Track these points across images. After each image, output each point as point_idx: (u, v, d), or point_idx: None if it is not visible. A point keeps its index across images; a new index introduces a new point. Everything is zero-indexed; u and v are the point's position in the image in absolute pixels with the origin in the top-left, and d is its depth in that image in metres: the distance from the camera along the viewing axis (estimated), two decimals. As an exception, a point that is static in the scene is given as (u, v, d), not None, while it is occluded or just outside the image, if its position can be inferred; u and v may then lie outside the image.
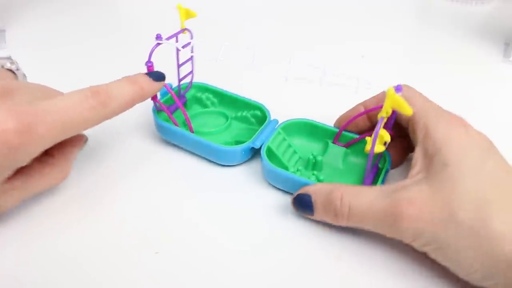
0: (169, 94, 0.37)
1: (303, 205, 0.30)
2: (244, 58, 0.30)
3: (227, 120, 0.38)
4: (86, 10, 0.54)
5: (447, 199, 0.25)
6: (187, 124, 0.35)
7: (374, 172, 0.33)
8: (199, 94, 0.39)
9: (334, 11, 0.58)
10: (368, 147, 0.29)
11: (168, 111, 0.35)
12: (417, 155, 0.29)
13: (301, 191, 0.30)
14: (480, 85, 0.46)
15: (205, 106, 0.39)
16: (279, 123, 0.36)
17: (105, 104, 0.28)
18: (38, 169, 0.29)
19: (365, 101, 0.34)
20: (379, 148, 0.29)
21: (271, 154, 0.34)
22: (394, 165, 0.35)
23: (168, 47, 0.33)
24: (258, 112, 0.37)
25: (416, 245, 0.26)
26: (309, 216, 0.30)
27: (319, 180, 0.33)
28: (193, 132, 0.35)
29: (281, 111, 0.37)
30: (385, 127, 0.30)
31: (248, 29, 0.53)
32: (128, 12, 0.56)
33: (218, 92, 0.39)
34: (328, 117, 0.36)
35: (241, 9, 0.56)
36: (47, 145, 0.26)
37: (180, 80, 0.37)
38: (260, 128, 0.35)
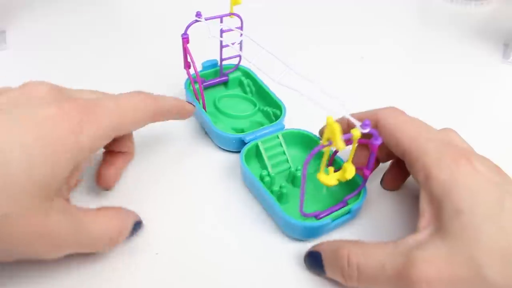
0: (213, 68, 0.40)
1: (313, 263, 0.28)
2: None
3: (253, 110, 0.39)
4: (87, 11, 0.55)
5: (469, 254, 0.22)
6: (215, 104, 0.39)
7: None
8: (242, 78, 0.41)
9: (334, 11, 0.58)
10: (321, 178, 0.25)
11: (200, 84, 0.36)
12: (423, 202, 0.26)
13: (313, 248, 0.28)
14: (479, 86, 0.46)
15: (244, 91, 0.41)
16: (285, 129, 0.36)
17: (156, 98, 0.30)
18: None
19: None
20: (330, 181, 0.26)
21: (258, 152, 0.34)
22: (390, 189, 0.34)
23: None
24: (278, 111, 0.37)
25: None
26: (322, 276, 0.28)
27: (281, 193, 0.31)
28: (205, 109, 0.37)
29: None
30: (365, 163, 0.28)
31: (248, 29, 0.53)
32: (129, 12, 0.56)
33: (256, 81, 0.40)
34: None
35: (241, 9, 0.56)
36: (107, 133, 0.26)
37: (222, 60, 0.39)
38: (265, 126, 0.36)
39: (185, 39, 0.35)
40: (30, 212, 0.22)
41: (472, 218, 0.23)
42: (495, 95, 0.45)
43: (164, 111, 0.31)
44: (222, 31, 0.35)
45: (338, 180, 0.26)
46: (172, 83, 0.45)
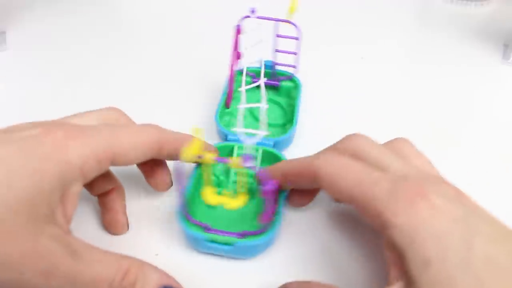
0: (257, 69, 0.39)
1: None
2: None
3: (280, 122, 0.39)
4: (87, 11, 0.55)
5: None
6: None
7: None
8: (292, 88, 0.40)
9: (334, 11, 0.58)
10: (203, 193, 0.26)
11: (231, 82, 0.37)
12: (387, 251, 0.23)
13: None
14: (479, 86, 0.46)
15: (287, 103, 0.40)
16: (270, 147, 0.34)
17: (163, 130, 0.29)
18: None
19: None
20: (209, 198, 0.26)
21: (230, 153, 0.34)
22: (297, 206, 0.32)
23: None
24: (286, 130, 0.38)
25: None
26: None
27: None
28: (228, 106, 0.38)
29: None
30: (270, 200, 0.26)
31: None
32: (129, 13, 0.56)
33: (297, 97, 0.39)
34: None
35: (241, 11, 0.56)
36: (97, 154, 0.25)
37: (275, 64, 0.39)
38: (256, 135, 0.34)
39: (238, 30, 0.34)
40: (15, 230, 0.21)
41: (442, 268, 0.20)
42: (495, 95, 0.45)
43: (170, 141, 0.28)
44: (278, 36, 0.36)
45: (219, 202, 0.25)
46: (172, 83, 0.45)
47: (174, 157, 0.28)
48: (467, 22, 0.55)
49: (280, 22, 0.35)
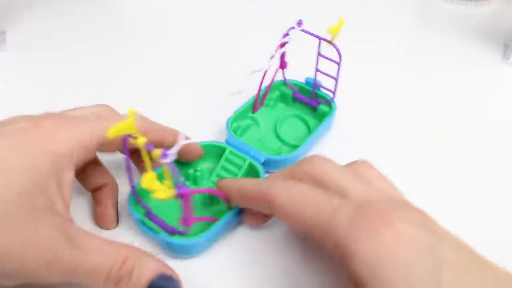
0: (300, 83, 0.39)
1: None
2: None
3: (297, 142, 0.37)
4: (86, 11, 0.54)
5: None
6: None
7: None
8: (327, 113, 0.38)
9: (334, 11, 0.58)
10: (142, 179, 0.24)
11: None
12: (349, 284, 0.22)
13: None
14: (479, 86, 0.46)
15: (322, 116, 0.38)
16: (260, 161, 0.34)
17: (145, 118, 0.29)
18: None
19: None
20: (145, 183, 0.24)
21: (220, 155, 0.34)
22: (254, 226, 0.31)
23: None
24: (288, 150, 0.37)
25: None
26: None
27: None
28: (257, 105, 0.38)
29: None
30: (185, 204, 0.25)
31: (248, 29, 0.53)
32: (129, 13, 0.56)
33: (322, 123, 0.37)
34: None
35: (242, 10, 0.56)
36: (84, 140, 0.26)
37: (315, 85, 0.38)
38: (253, 147, 0.34)
39: (283, 41, 0.34)
40: (15, 222, 0.21)
41: None
42: (495, 95, 0.45)
43: (154, 130, 0.29)
44: (319, 55, 0.35)
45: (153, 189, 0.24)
46: (172, 83, 0.45)
47: (158, 145, 0.28)
48: (467, 22, 0.55)
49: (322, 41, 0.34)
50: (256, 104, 0.38)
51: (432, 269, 0.19)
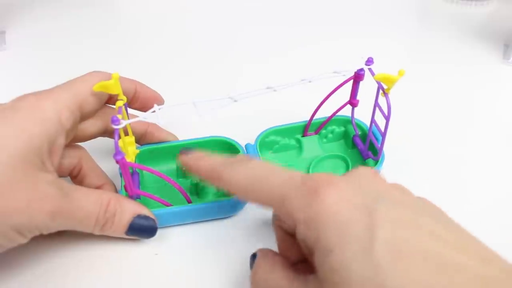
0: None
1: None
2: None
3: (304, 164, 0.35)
4: (86, 11, 0.55)
5: None
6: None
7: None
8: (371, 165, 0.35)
9: (333, 11, 0.58)
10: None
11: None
12: (304, 248, 0.23)
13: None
14: (480, 86, 0.46)
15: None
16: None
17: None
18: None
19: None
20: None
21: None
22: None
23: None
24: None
25: None
26: None
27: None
28: (305, 134, 0.36)
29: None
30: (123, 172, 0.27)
31: (248, 29, 0.53)
32: (127, 13, 0.56)
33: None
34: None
35: (241, 9, 0.56)
36: (69, 104, 0.27)
37: (369, 137, 0.35)
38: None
39: (358, 76, 0.33)
40: (17, 182, 0.24)
41: (342, 256, 0.19)
42: (495, 95, 0.45)
43: (145, 93, 0.32)
44: (377, 105, 0.33)
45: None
46: (172, 83, 0.45)
47: (146, 108, 0.31)
48: (468, 22, 0.55)
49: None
50: (307, 128, 0.36)
51: (368, 227, 0.20)
